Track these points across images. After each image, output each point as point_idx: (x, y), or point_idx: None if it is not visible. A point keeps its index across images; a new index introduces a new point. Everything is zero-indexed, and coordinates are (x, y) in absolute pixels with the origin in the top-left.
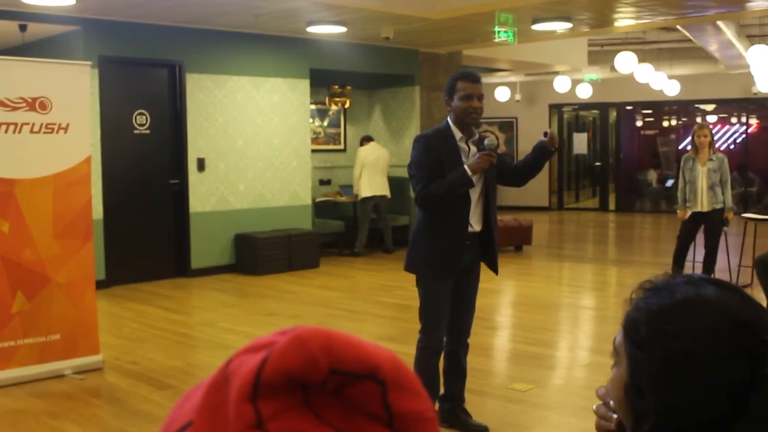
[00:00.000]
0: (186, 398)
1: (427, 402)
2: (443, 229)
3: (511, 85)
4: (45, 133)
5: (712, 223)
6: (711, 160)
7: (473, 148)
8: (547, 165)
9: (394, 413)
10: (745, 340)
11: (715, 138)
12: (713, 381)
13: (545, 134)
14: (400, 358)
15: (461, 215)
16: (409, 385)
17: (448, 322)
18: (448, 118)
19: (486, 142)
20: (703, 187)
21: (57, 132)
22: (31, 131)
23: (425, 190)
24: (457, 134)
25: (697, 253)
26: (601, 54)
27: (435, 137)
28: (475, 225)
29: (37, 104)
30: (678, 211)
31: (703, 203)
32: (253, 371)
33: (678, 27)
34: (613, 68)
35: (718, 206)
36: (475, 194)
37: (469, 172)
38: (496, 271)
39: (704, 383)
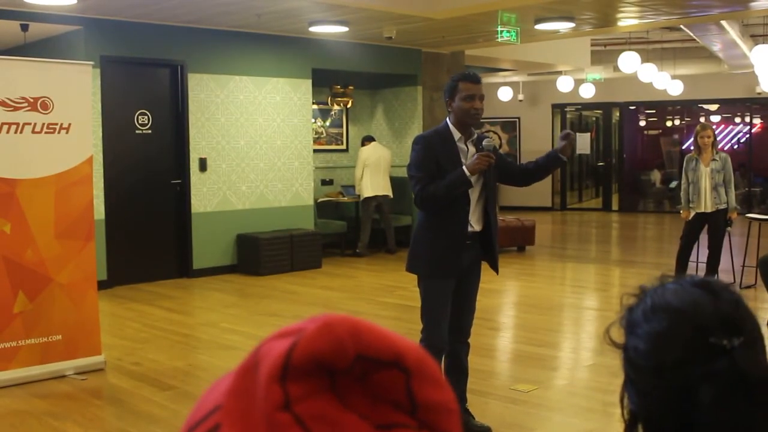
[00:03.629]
0: (214, 387)
1: (450, 393)
2: (443, 229)
3: (513, 85)
4: (47, 133)
5: (715, 224)
6: (714, 160)
7: (472, 149)
8: None
9: (418, 403)
10: (700, 344)
11: (719, 138)
12: (673, 384)
13: (567, 135)
14: (423, 350)
15: (461, 215)
16: (432, 376)
17: (449, 321)
18: (447, 119)
19: (484, 143)
20: (707, 187)
21: (59, 132)
22: (33, 131)
23: (424, 190)
24: (456, 134)
25: (700, 254)
26: (604, 54)
27: (434, 138)
28: (475, 225)
29: (38, 104)
30: (681, 212)
31: (707, 203)
32: (283, 354)
33: (681, 27)
34: (616, 68)
35: (722, 206)
36: (474, 194)
37: (467, 173)
38: (496, 270)
39: (664, 386)
